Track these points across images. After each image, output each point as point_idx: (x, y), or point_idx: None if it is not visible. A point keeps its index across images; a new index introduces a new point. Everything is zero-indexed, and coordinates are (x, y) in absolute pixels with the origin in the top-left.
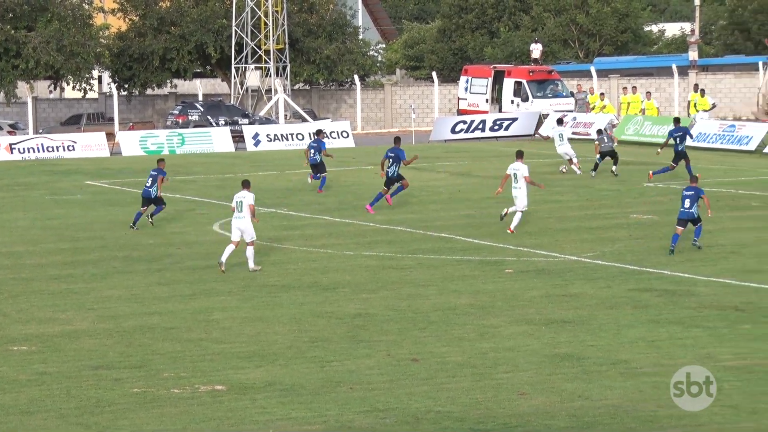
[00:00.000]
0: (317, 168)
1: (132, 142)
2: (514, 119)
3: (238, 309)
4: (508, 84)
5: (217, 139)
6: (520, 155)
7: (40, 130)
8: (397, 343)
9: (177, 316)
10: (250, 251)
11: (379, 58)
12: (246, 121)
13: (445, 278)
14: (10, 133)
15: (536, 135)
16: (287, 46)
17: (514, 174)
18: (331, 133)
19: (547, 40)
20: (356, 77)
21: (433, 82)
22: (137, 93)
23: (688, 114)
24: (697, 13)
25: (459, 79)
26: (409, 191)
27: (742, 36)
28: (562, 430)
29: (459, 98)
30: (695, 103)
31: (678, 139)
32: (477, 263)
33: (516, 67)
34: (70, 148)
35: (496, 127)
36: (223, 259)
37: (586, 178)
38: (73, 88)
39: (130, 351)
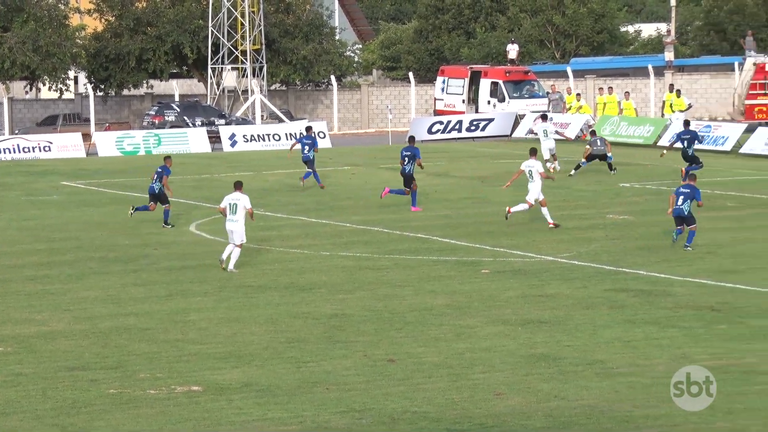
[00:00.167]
0: (311, 164)
1: (108, 143)
2: (491, 120)
3: (214, 310)
4: (485, 84)
5: (194, 139)
6: (533, 153)
7: (16, 131)
8: (374, 343)
9: (153, 316)
10: (236, 253)
11: (356, 59)
12: (222, 121)
13: (421, 279)
14: None
15: (528, 134)
16: (264, 46)
17: (530, 171)
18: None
19: (524, 41)
20: (333, 78)
21: (409, 82)
22: (113, 93)
23: (662, 114)
24: (673, 14)
25: (435, 80)
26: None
27: (718, 37)
28: (538, 430)
29: (435, 99)
30: (671, 104)
31: (686, 143)
32: (453, 264)
33: (492, 67)
34: (46, 148)
35: (473, 128)
36: (224, 256)
37: (563, 179)
38: (49, 88)
39: (107, 352)
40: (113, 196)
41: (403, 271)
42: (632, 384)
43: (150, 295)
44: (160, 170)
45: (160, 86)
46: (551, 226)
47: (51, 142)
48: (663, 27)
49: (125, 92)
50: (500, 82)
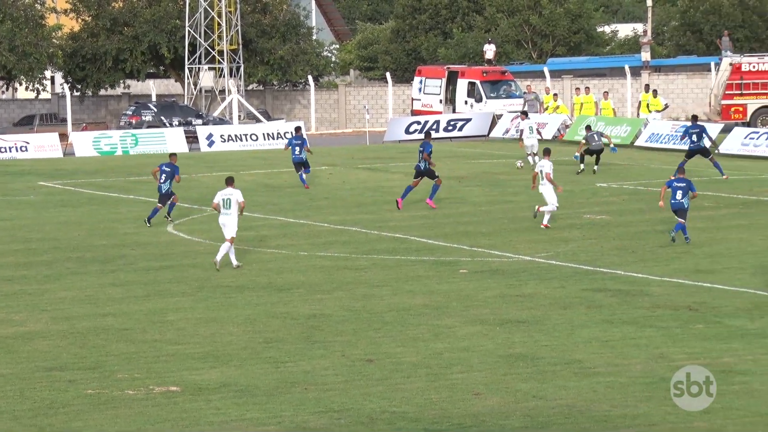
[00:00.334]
0: (304, 165)
1: (85, 143)
2: (468, 120)
3: (192, 310)
4: (462, 85)
5: (171, 139)
6: (547, 153)
7: None
8: (352, 343)
9: (131, 317)
10: (225, 246)
11: (333, 59)
12: (200, 121)
13: (399, 279)
14: None
15: (505, 134)
16: (241, 46)
17: (541, 171)
18: (285, 133)
19: (501, 41)
20: (310, 78)
21: (386, 82)
22: (90, 94)
23: (638, 114)
24: (650, 14)
25: (413, 80)
26: (363, 191)
27: (694, 37)
28: (516, 430)
29: (413, 99)
30: (648, 104)
31: (695, 136)
32: (431, 264)
33: (469, 67)
34: (23, 148)
35: (450, 128)
36: (235, 262)
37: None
38: (26, 88)
39: (84, 352)
40: (90, 196)
41: (381, 271)
42: (610, 384)
43: (128, 295)
44: (168, 169)
45: (137, 86)
46: (544, 226)
47: (28, 143)
48: (639, 27)
49: (102, 92)
50: (477, 82)
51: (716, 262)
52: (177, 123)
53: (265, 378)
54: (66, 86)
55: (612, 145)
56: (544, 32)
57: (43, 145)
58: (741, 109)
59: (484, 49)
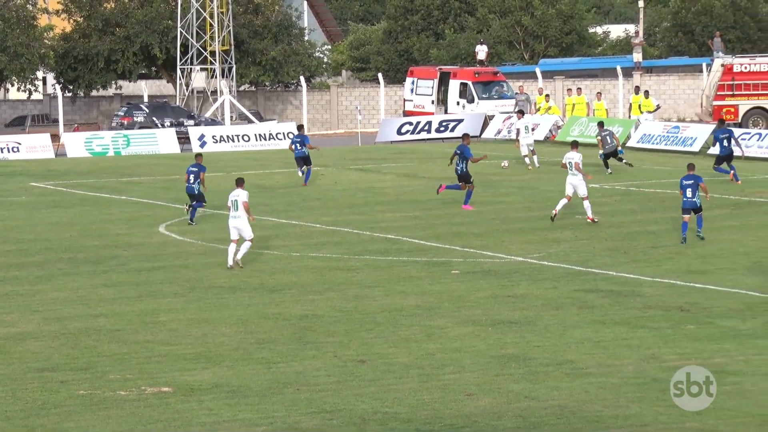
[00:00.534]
0: (305, 161)
1: (77, 144)
2: (460, 120)
3: (184, 310)
4: (454, 85)
5: (163, 140)
6: (574, 145)
7: None
8: (344, 344)
9: (123, 317)
10: (246, 246)
11: (325, 60)
12: (192, 122)
13: (391, 279)
14: None
15: (497, 135)
16: (233, 47)
17: (569, 162)
18: (277, 134)
19: (493, 42)
20: (302, 79)
21: (378, 83)
22: (82, 94)
23: (629, 116)
24: (641, 15)
25: (405, 81)
26: (355, 192)
27: (686, 38)
28: (508, 430)
29: (405, 99)
30: (639, 105)
31: (726, 141)
32: (423, 264)
33: (461, 68)
34: (15, 149)
35: (442, 129)
36: (231, 262)
37: (532, 180)
38: (18, 89)
39: (76, 353)
40: (82, 197)
41: (373, 272)
42: (602, 384)
43: (120, 296)
44: (194, 169)
45: (128, 87)
46: (590, 220)
47: (19, 143)
48: (631, 28)
49: (94, 93)
50: (469, 83)
51: (708, 262)
52: (169, 124)
53: (257, 379)
54: (58, 87)
55: (620, 147)
56: (536, 33)
57: (34, 145)
58: (732, 110)
59: (476, 50)
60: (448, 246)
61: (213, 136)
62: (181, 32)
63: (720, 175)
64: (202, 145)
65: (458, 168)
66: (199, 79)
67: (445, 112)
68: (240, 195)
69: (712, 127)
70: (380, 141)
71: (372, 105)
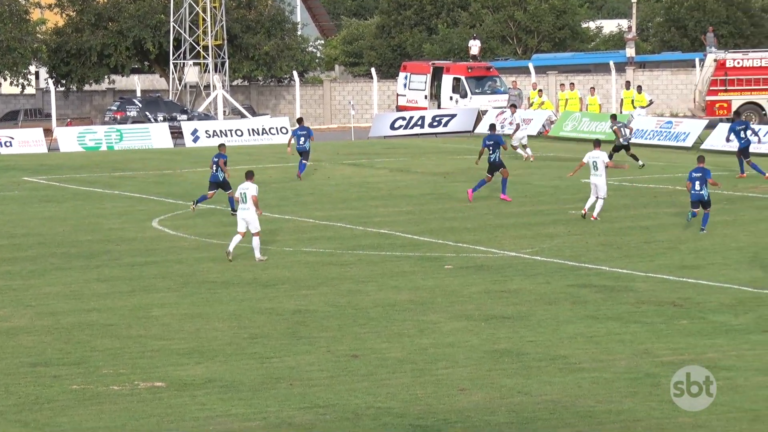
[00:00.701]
0: (305, 154)
1: (70, 138)
2: (453, 115)
3: (177, 305)
4: (447, 80)
5: (156, 135)
6: (597, 144)
7: None
8: (337, 339)
9: (116, 312)
10: (255, 241)
11: (318, 54)
12: (185, 117)
13: (384, 274)
14: None
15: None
16: (226, 42)
17: (594, 162)
18: (270, 129)
19: (486, 37)
20: (295, 73)
21: (371, 78)
22: (75, 89)
23: (621, 111)
24: (634, 10)
25: (398, 76)
26: (349, 187)
27: (679, 33)
28: (502, 425)
29: (398, 94)
30: (632, 100)
31: (743, 133)
32: (417, 259)
33: (455, 63)
34: (8, 144)
35: (435, 124)
36: (231, 248)
37: (524, 175)
38: (11, 83)
39: (69, 348)
40: (75, 191)
41: (366, 267)
42: (595, 379)
43: (112, 290)
44: (216, 159)
45: (121, 81)
46: (593, 218)
47: (12, 138)
48: (624, 23)
49: (87, 87)
50: (462, 78)
51: (701, 258)
52: (162, 118)
53: (251, 373)
54: (50, 81)
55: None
56: (529, 28)
57: (27, 140)
58: (725, 105)
59: (469, 45)
60: (441, 241)
61: (206, 131)
62: (173, 27)
63: (729, 169)
64: (195, 139)
65: (492, 158)
66: (192, 74)
67: (438, 107)
68: (249, 188)
69: (705, 122)
70: (373, 136)
71: (365, 100)
